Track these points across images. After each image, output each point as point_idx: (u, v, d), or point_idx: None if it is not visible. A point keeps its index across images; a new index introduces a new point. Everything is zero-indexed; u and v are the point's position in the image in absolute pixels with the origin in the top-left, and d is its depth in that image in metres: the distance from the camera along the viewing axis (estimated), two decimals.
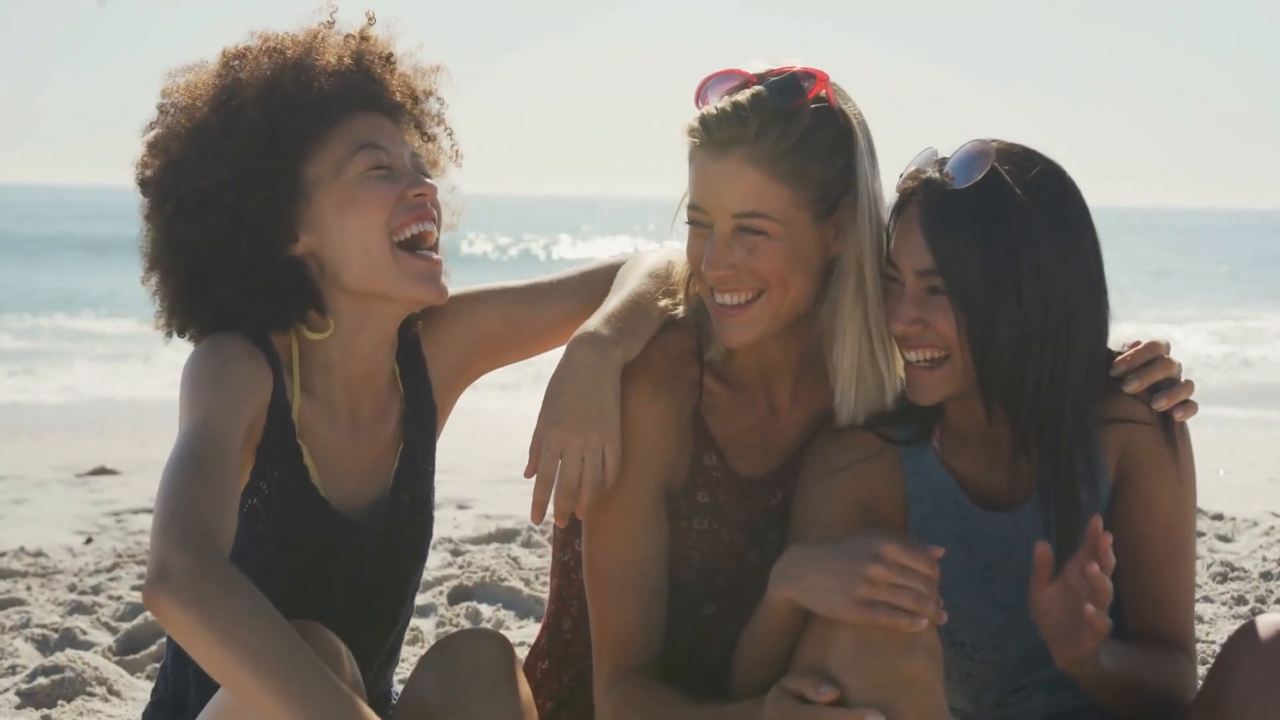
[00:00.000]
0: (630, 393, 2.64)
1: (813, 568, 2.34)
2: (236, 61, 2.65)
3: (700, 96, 2.61)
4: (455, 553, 6.32)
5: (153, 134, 2.67)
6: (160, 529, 2.27)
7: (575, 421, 2.57)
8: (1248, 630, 2.37)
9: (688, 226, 2.63)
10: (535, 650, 2.93)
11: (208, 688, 2.53)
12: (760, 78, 2.58)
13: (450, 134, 2.81)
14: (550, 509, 2.63)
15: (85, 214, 57.66)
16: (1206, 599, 5.10)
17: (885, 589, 2.29)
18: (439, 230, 2.67)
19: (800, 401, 2.75)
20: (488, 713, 2.44)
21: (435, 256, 2.63)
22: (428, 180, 2.65)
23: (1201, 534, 6.51)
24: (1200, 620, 4.76)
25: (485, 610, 5.24)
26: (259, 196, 2.57)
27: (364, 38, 2.72)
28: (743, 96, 2.55)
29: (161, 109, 2.68)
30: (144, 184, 2.66)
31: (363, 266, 2.59)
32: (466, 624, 5.14)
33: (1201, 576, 5.52)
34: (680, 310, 2.73)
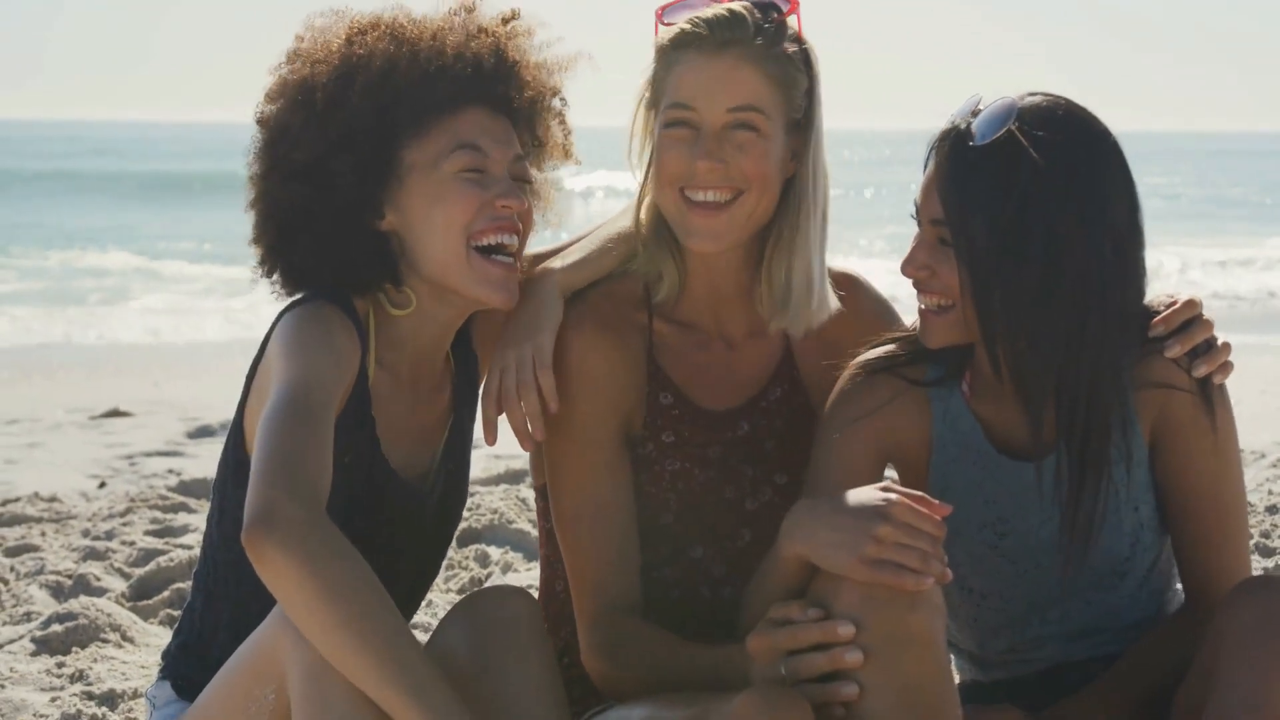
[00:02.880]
0: (576, 337, 2.72)
1: (821, 524, 2.37)
2: (360, 36, 2.67)
3: (663, 19, 2.70)
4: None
5: (275, 76, 2.71)
6: (266, 473, 2.33)
7: (508, 340, 2.70)
8: (1239, 591, 2.39)
9: (663, 133, 2.68)
10: None
11: (238, 636, 2.57)
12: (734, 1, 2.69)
13: (568, 134, 2.83)
14: (511, 433, 2.71)
15: (92, 150, 57.53)
16: None
17: (892, 548, 2.31)
18: (523, 240, 2.71)
19: (755, 333, 2.82)
20: (516, 668, 2.49)
21: (509, 262, 2.67)
22: (520, 194, 2.66)
23: None
24: None
25: (494, 552, 5.28)
26: (350, 176, 2.62)
27: (494, 34, 2.72)
28: (736, 6, 2.66)
29: (289, 54, 2.72)
30: (258, 123, 2.71)
31: (438, 260, 2.64)
32: (475, 566, 5.18)
33: None
34: (636, 262, 2.78)
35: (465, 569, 5.17)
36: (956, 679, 2.80)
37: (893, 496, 2.35)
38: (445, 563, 5.26)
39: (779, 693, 2.35)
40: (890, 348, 2.71)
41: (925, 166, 2.58)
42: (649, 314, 2.80)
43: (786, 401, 2.82)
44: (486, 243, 2.64)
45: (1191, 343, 2.55)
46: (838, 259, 2.89)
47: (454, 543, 5.49)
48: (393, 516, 2.69)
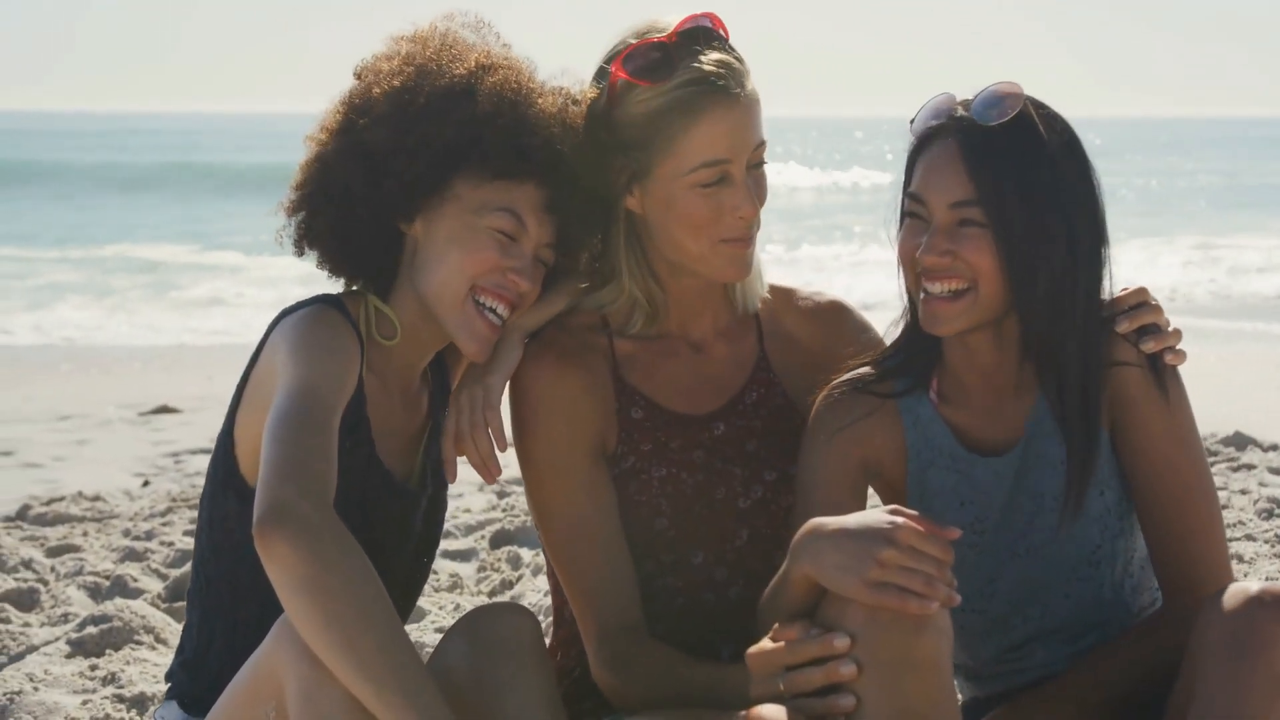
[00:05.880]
0: (537, 369, 2.78)
1: (828, 545, 2.37)
2: (482, 73, 2.71)
3: (621, 69, 2.71)
4: (501, 494, 6.39)
5: (389, 56, 2.75)
6: (277, 472, 2.36)
7: (464, 381, 2.78)
8: (1211, 605, 2.37)
9: (701, 190, 2.70)
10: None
11: (234, 648, 2.63)
12: (685, 35, 2.71)
13: (592, 253, 2.85)
14: (472, 469, 2.76)
15: (135, 141, 58.02)
16: (1249, 537, 5.06)
17: (896, 571, 2.30)
18: (513, 312, 2.76)
19: (722, 334, 2.89)
20: (514, 685, 2.51)
21: (497, 323, 2.73)
22: (531, 277, 2.72)
23: (1252, 467, 6.44)
24: (1240, 559, 4.73)
25: (525, 554, 5.30)
26: (401, 182, 2.67)
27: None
28: (719, 53, 2.71)
29: (412, 38, 2.76)
30: (356, 76, 2.76)
31: (437, 289, 2.70)
32: (507, 569, 5.20)
33: (1247, 513, 5.47)
34: (594, 298, 2.83)
35: (497, 571, 5.19)
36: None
37: (899, 520, 2.34)
38: (477, 564, 5.31)
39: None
40: (859, 371, 2.76)
41: (917, 158, 2.61)
42: (608, 336, 2.85)
43: (763, 404, 2.87)
44: (483, 300, 2.71)
45: (1140, 321, 2.61)
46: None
47: (487, 544, 5.53)
48: (386, 516, 2.73)
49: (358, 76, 2.77)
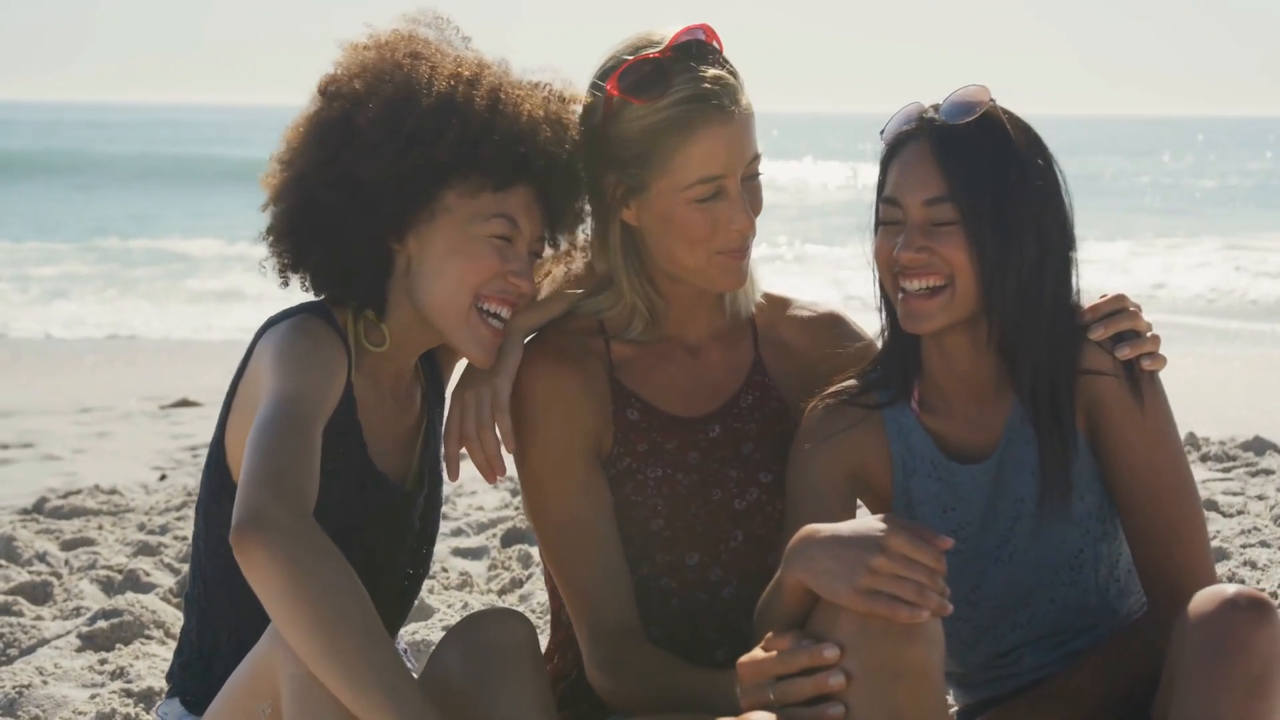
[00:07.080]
0: (535, 370, 2.80)
1: (821, 552, 2.37)
2: (464, 87, 2.68)
3: (615, 86, 2.70)
4: (514, 492, 6.39)
5: (358, 73, 2.70)
6: (256, 478, 2.36)
7: (467, 380, 2.80)
8: (1191, 609, 2.36)
9: (696, 205, 2.71)
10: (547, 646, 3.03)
11: (241, 646, 2.62)
12: (678, 50, 2.71)
13: (576, 244, 2.87)
14: (475, 469, 2.78)
15: (150, 135, 58.19)
16: (1264, 543, 5.02)
17: (887, 579, 2.30)
18: (512, 312, 2.77)
19: (717, 338, 2.91)
20: (508, 692, 2.52)
21: (500, 327, 2.74)
22: (531, 276, 2.73)
23: (1270, 472, 6.41)
24: (1254, 566, 4.70)
25: (536, 553, 5.30)
26: (394, 207, 2.66)
27: (575, 141, 2.75)
28: (715, 69, 2.71)
29: (377, 46, 2.72)
30: (323, 94, 2.70)
31: (439, 303, 2.69)
32: (517, 567, 5.20)
33: (1263, 519, 5.44)
34: (593, 303, 2.85)
35: (507, 569, 5.19)
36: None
37: (891, 527, 2.34)
38: (488, 562, 5.31)
39: None
40: (844, 383, 2.78)
41: (890, 163, 2.66)
42: (605, 339, 2.87)
43: (759, 407, 2.89)
44: (487, 308, 2.71)
45: (1116, 328, 2.61)
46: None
47: (498, 543, 5.53)
48: (382, 517, 2.73)
49: (324, 94, 2.70)
